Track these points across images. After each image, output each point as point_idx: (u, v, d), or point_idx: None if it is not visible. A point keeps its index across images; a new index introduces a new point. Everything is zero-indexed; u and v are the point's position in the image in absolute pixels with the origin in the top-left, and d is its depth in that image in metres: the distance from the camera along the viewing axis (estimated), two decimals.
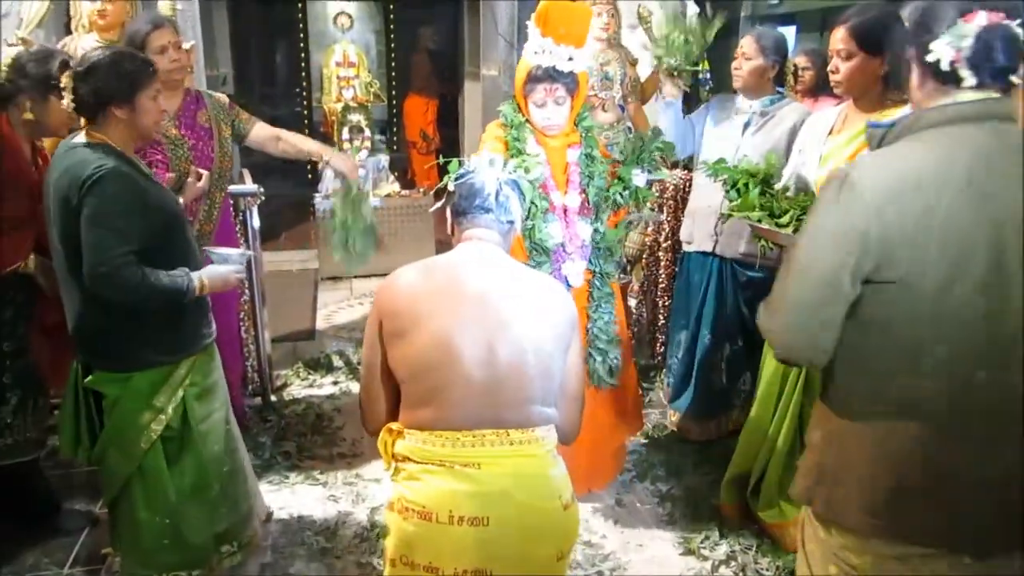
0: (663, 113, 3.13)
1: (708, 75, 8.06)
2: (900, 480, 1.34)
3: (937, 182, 1.24)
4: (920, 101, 1.36)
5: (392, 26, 7.42)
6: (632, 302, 4.10)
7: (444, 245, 5.34)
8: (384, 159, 6.12)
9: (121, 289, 1.92)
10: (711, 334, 3.07)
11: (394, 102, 7.51)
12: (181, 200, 2.28)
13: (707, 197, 2.93)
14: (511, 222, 1.72)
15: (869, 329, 1.33)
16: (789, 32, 8.42)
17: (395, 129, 7.57)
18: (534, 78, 2.39)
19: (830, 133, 2.32)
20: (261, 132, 3.03)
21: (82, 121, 2.00)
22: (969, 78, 1.28)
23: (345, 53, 6.89)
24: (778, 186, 2.40)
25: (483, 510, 1.49)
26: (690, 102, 3.71)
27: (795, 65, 3.40)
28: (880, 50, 2.10)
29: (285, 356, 4.01)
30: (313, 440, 3.23)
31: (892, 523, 1.36)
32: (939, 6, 1.30)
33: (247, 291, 3.39)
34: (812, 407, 2.20)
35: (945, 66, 1.28)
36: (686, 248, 3.17)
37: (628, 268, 4.11)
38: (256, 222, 3.29)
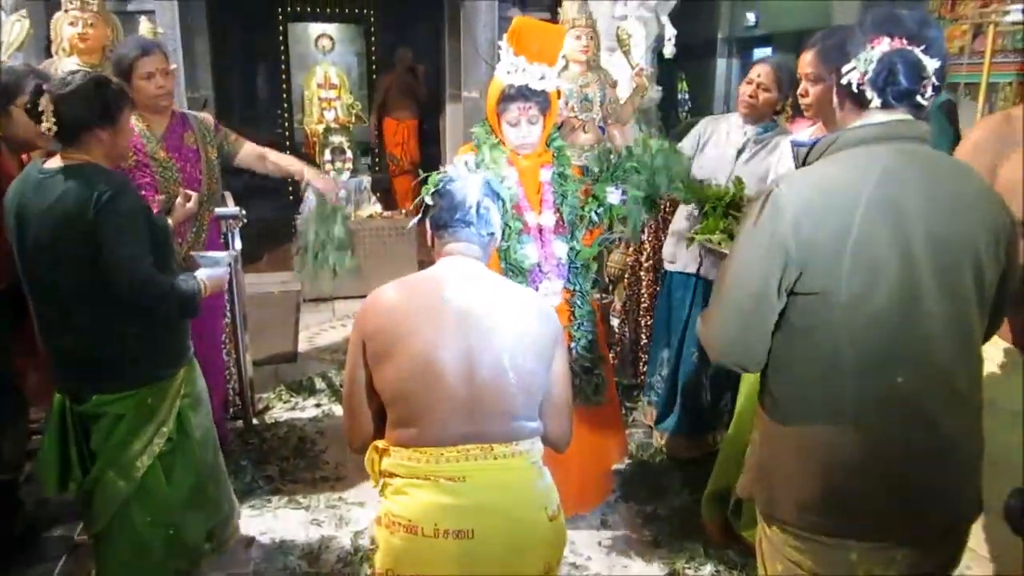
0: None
1: (687, 96, 8.19)
2: (826, 478, 1.42)
3: (850, 198, 1.33)
4: (839, 122, 1.47)
5: (373, 48, 7.46)
6: (615, 322, 4.11)
7: (426, 265, 5.33)
8: (366, 180, 6.13)
9: (158, 297, 1.99)
10: (697, 352, 3.09)
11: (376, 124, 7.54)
12: (170, 221, 2.29)
13: (686, 217, 2.97)
14: (491, 234, 1.73)
15: (794, 337, 1.42)
16: (765, 53, 8.59)
17: (377, 150, 7.58)
18: (507, 97, 2.39)
19: None
20: (249, 152, 3.07)
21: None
22: (875, 99, 1.38)
23: (327, 75, 6.91)
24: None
25: (468, 523, 1.50)
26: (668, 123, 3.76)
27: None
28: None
29: (267, 379, 3.98)
30: (295, 463, 3.21)
31: (824, 519, 1.44)
32: (855, 33, 1.41)
33: (228, 313, 3.37)
34: None
35: (854, 88, 1.39)
36: (668, 267, 3.19)
37: (610, 288, 4.14)
38: (238, 244, 3.28)
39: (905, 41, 1.37)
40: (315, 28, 7.30)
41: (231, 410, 3.51)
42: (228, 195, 3.73)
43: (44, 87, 1.93)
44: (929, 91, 1.38)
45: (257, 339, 3.73)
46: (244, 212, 3.30)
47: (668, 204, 3.43)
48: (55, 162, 1.97)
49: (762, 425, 1.54)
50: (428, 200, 1.75)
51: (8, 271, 2.29)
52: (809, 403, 1.42)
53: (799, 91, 2.31)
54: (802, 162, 1.48)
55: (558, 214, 2.51)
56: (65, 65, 3.28)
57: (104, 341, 2.01)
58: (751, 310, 1.40)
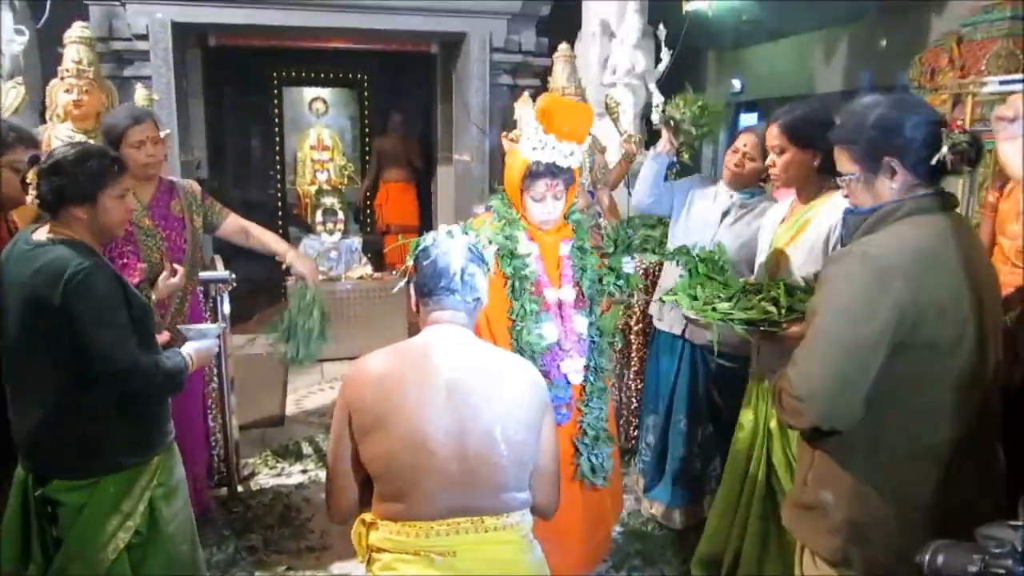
0: (648, 164, 3.16)
1: (675, 159, 8.29)
2: (932, 525, 1.48)
3: (942, 258, 1.49)
4: (892, 194, 1.56)
5: (366, 111, 7.59)
6: None
7: (416, 328, 5.32)
8: (357, 241, 6.16)
9: (143, 380, 1.92)
10: (686, 419, 3.07)
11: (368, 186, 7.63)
12: (154, 296, 2.24)
13: (677, 277, 2.97)
14: (477, 299, 1.71)
15: (898, 388, 1.49)
16: (751, 119, 8.79)
17: (368, 212, 7.64)
18: (534, 174, 2.32)
19: (782, 222, 2.44)
20: (232, 225, 3.03)
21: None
22: (929, 175, 1.54)
23: (320, 137, 7.04)
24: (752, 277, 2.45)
25: None
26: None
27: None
28: (811, 144, 2.25)
29: (253, 443, 3.91)
30: (280, 533, 3.12)
31: None
32: (909, 115, 1.54)
33: (215, 377, 3.33)
34: (780, 478, 2.27)
35: (930, 163, 1.51)
36: (656, 324, 3.19)
37: None
38: (227, 308, 3.26)
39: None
40: (309, 92, 7.44)
41: (215, 477, 3.43)
42: (218, 258, 3.74)
43: (38, 156, 1.93)
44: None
45: (244, 402, 3.67)
46: (233, 276, 3.30)
47: (658, 266, 3.45)
48: (41, 234, 1.93)
49: (846, 483, 1.55)
50: (410, 263, 1.75)
51: None
52: (914, 452, 1.50)
53: (767, 162, 2.40)
54: (855, 228, 1.60)
55: (578, 288, 2.45)
56: (59, 131, 3.32)
57: (67, 424, 1.90)
58: (861, 368, 1.46)
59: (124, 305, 1.91)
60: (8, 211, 2.44)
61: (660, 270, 3.29)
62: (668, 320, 3.08)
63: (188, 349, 2.10)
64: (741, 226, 2.88)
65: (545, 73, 4.80)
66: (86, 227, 1.94)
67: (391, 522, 1.54)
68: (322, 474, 3.62)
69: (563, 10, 5.38)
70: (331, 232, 6.06)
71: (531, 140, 2.33)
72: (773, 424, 2.30)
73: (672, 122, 3.13)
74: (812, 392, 1.49)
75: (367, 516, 1.60)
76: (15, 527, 1.98)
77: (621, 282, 2.54)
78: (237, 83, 7.07)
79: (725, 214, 2.94)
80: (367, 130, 7.60)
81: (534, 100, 4.12)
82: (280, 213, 7.32)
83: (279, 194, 7.34)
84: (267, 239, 3.07)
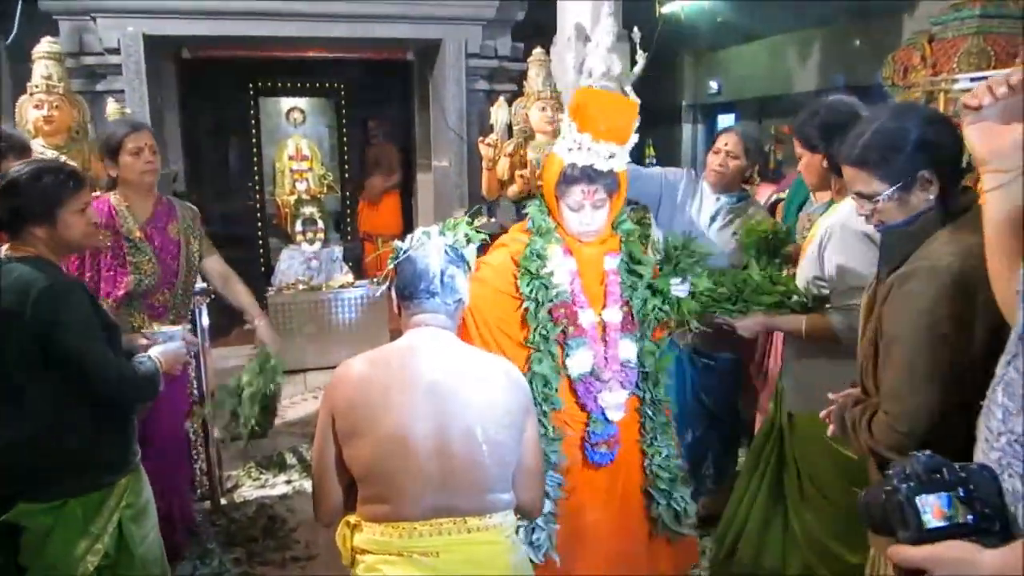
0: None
1: (654, 160, 8.39)
2: None
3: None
4: (928, 204, 1.54)
5: (344, 120, 7.57)
6: None
7: (398, 335, 5.31)
8: (337, 250, 6.14)
9: (131, 387, 1.94)
10: (674, 422, 3.07)
11: (347, 194, 7.59)
12: (162, 360, 2.09)
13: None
14: (459, 300, 1.71)
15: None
16: (729, 119, 8.87)
17: (348, 220, 7.62)
18: (569, 178, 2.04)
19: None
20: (214, 266, 3.00)
21: None
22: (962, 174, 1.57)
23: (298, 147, 6.99)
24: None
25: None
26: None
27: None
28: (815, 145, 2.25)
29: (236, 455, 3.87)
30: (265, 544, 3.10)
31: None
32: (932, 125, 1.53)
33: (195, 390, 3.30)
34: (789, 474, 2.26)
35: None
36: None
37: None
38: (205, 320, 3.24)
39: None
40: (286, 101, 7.41)
41: (199, 490, 3.40)
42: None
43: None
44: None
45: (225, 414, 3.64)
46: (212, 287, 3.27)
47: None
48: (4, 251, 1.91)
49: None
50: (391, 266, 1.75)
51: None
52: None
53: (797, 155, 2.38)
54: (898, 245, 1.58)
55: (627, 308, 2.13)
56: None
57: (31, 444, 1.86)
58: (961, 391, 1.39)
59: (95, 316, 1.90)
60: None
61: None
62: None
63: (155, 352, 2.08)
64: (730, 231, 2.87)
65: (521, 78, 4.81)
66: (46, 244, 1.92)
67: (375, 524, 1.54)
68: (307, 484, 3.60)
69: (538, 15, 5.40)
70: (311, 241, 6.03)
71: (565, 140, 2.06)
72: (784, 421, 2.29)
73: None
74: (917, 427, 1.45)
75: (351, 518, 1.61)
76: None
77: (668, 306, 2.17)
78: (213, 95, 7.01)
79: (712, 219, 2.94)
80: (345, 139, 7.58)
81: (510, 104, 4.14)
82: (260, 224, 7.27)
83: (258, 205, 7.29)
84: (243, 294, 3.03)
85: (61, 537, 1.89)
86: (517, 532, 1.70)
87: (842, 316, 2.02)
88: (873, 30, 6.02)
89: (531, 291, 2.05)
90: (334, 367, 4.96)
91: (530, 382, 1.95)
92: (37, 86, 3.31)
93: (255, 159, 7.26)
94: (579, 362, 2.06)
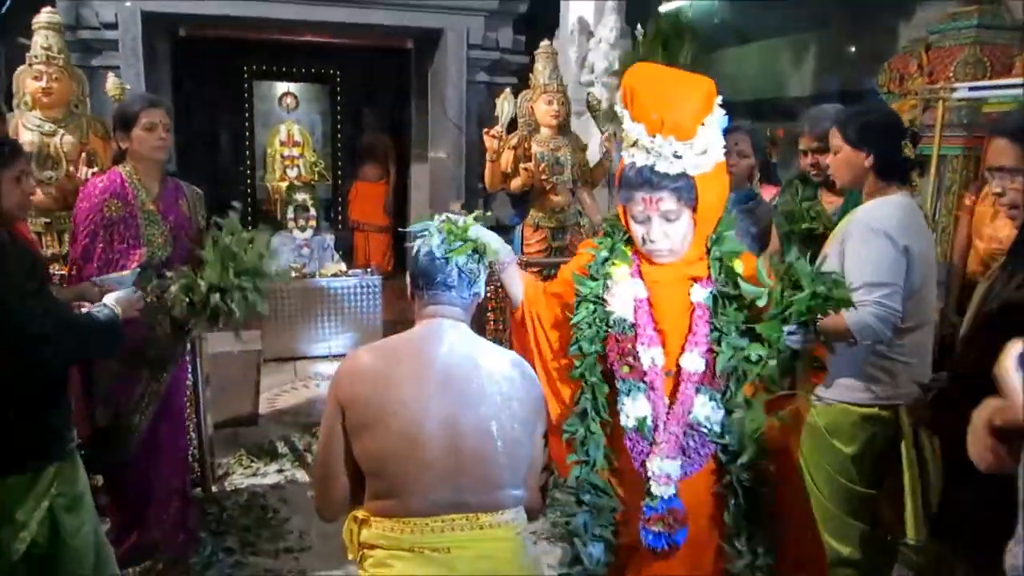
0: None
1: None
2: None
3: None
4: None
5: (339, 107, 7.50)
6: None
7: (391, 325, 5.33)
8: (329, 238, 6.09)
9: (79, 337, 1.89)
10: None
11: (339, 182, 7.53)
12: (120, 308, 2.07)
13: None
14: (476, 294, 1.69)
15: None
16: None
17: (340, 208, 7.56)
18: (627, 182, 1.60)
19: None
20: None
21: None
22: None
23: (290, 133, 6.91)
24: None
25: None
26: None
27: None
28: (863, 144, 2.17)
29: (226, 443, 3.83)
30: (258, 534, 3.06)
31: None
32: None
33: (190, 375, 3.25)
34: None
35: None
36: None
37: None
38: None
39: None
40: (280, 86, 7.33)
41: (190, 476, 3.35)
42: None
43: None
44: None
45: (216, 401, 3.60)
46: None
47: None
48: None
49: None
50: (413, 248, 1.69)
51: None
52: None
53: (825, 161, 2.37)
54: None
55: (710, 355, 1.61)
56: (27, 120, 3.21)
57: None
58: None
59: (36, 274, 1.88)
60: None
61: None
62: None
63: (110, 300, 2.07)
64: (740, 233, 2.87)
65: (522, 71, 4.79)
66: None
67: (384, 519, 1.52)
68: (298, 474, 3.57)
69: (541, 8, 5.37)
70: (303, 228, 5.98)
71: (627, 132, 1.64)
72: None
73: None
74: None
75: (359, 513, 1.58)
76: None
77: (773, 364, 1.58)
78: (207, 76, 6.93)
79: None
80: (339, 126, 7.52)
81: (515, 96, 4.12)
82: (250, 209, 7.20)
83: (249, 190, 7.22)
84: None
85: None
86: None
87: (856, 314, 2.00)
88: (868, 36, 6.06)
89: (583, 316, 1.66)
90: (325, 356, 4.96)
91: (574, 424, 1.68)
92: (37, 56, 3.22)
93: (247, 143, 7.18)
94: (631, 412, 1.62)
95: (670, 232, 1.60)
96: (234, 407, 4.21)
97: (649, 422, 1.62)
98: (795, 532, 1.68)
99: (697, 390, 1.62)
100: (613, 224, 1.75)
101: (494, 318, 3.84)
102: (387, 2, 5.00)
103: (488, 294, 2.98)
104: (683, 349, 1.63)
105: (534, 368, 1.74)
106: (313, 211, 6.11)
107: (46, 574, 1.90)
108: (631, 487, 1.68)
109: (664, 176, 1.55)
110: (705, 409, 1.61)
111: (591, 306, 1.67)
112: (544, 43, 4.09)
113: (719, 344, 1.61)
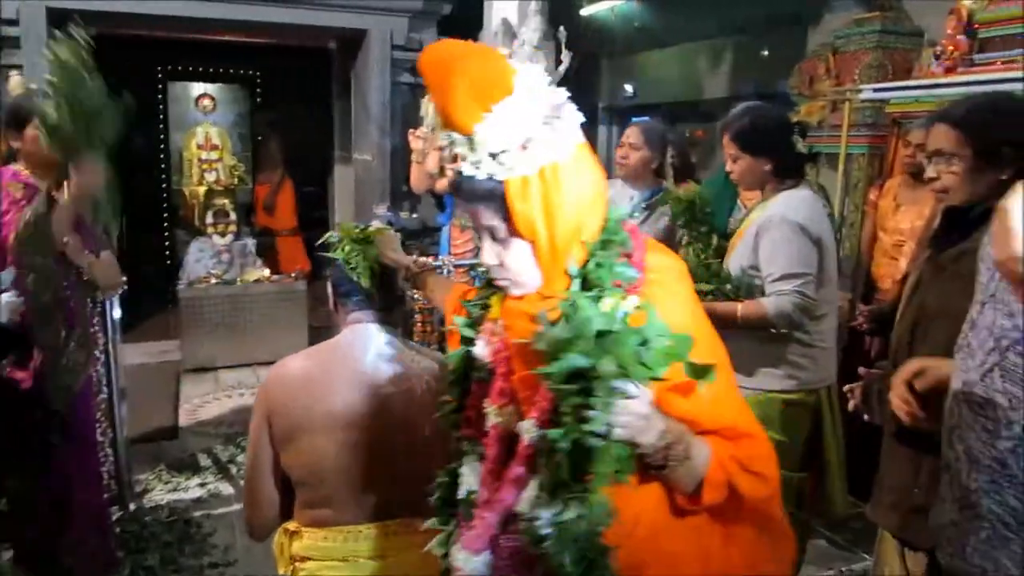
0: None
1: None
2: None
3: None
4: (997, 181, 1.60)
5: (258, 109, 7.31)
6: None
7: (316, 331, 5.22)
8: (250, 243, 5.94)
9: None
10: None
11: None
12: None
13: None
14: (399, 298, 1.68)
15: None
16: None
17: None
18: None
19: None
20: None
21: None
22: None
23: (208, 136, 6.72)
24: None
25: None
26: None
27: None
28: (762, 151, 2.26)
29: (145, 458, 3.68)
30: (180, 550, 2.96)
31: None
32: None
33: (104, 387, 3.11)
34: None
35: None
36: None
37: None
38: (117, 313, 3.05)
39: None
40: (196, 87, 7.09)
41: (105, 495, 3.20)
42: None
43: None
44: None
45: (134, 414, 3.45)
46: (124, 279, 3.09)
47: None
48: None
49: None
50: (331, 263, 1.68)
51: None
52: None
53: (728, 168, 2.37)
54: None
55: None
56: None
57: None
58: None
59: None
60: None
61: None
62: None
63: None
64: (647, 226, 2.93)
65: None
66: None
67: (317, 529, 1.50)
68: (222, 487, 3.47)
69: (464, 10, 5.37)
70: (223, 234, 5.82)
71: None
72: None
73: None
74: None
75: (290, 525, 1.55)
76: None
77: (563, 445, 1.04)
78: (118, 76, 6.63)
79: (629, 216, 3.00)
80: (258, 128, 7.33)
81: None
82: (166, 215, 6.94)
83: (165, 195, 6.95)
84: None
85: None
86: None
87: (776, 302, 2.10)
88: (780, 41, 6.30)
89: (453, 357, 1.30)
90: (249, 364, 4.82)
91: None
92: None
93: (162, 147, 6.92)
94: (464, 482, 1.26)
95: (504, 256, 1.14)
96: (153, 420, 4.08)
97: (475, 496, 1.23)
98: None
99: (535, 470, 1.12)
100: None
101: (422, 320, 3.81)
102: (309, 2, 4.91)
103: (414, 295, 2.97)
104: (528, 411, 1.14)
105: None
106: (233, 216, 5.96)
107: None
108: None
109: (470, 181, 1.10)
110: (534, 498, 1.10)
111: (461, 346, 1.29)
112: None
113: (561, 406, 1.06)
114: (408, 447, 1.51)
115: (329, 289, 1.69)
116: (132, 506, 3.23)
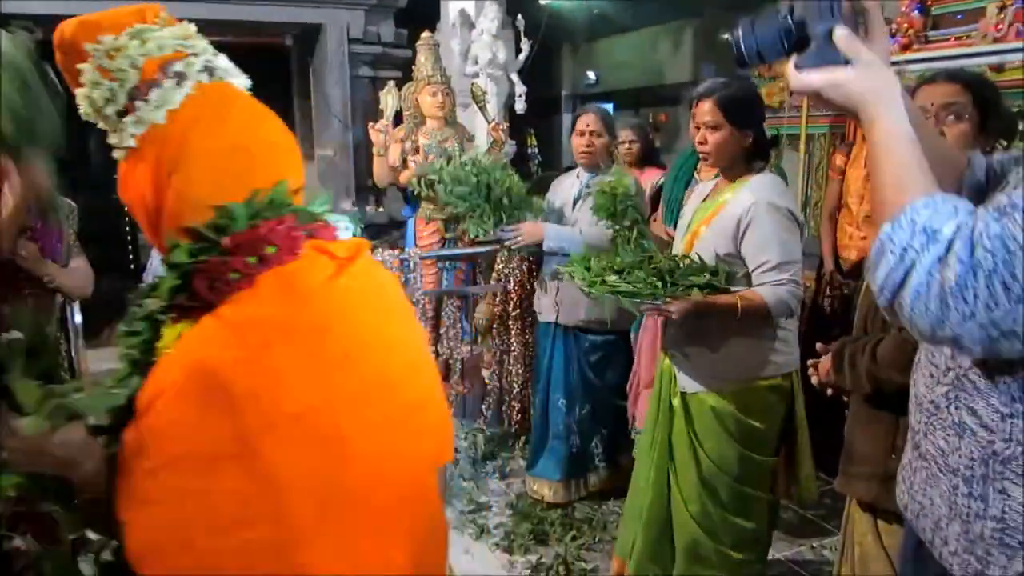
0: None
1: (536, 149, 8.45)
2: None
3: None
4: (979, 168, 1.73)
5: None
6: (485, 373, 4.11)
7: None
8: None
9: None
10: (563, 398, 3.15)
11: None
12: None
13: (549, 267, 3.05)
14: None
15: None
16: (607, 109, 9.12)
17: None
18: None
19: (703, 200, 2.33)
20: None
21: None
22: None
23: None
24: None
25: None
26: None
27: (622, 139, 3.64)
28: (747, 123, 2.14)
29: None
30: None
31: None
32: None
33: None
34: (678, 453, 2.26)
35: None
36: (537, 314, 3.26)
37: (479, 339, 4.14)
38: (78, 319, 3.00)
39: None
40: None
41: None
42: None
43: None
44: None
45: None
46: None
47: (534, 260, 3.49)
48: None
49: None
50: None
51: None
52: None
53: (697, 139, 2.18)
54: None
55: None
56: None
57: None
58: None
59: None
60: None
61: (541, 262, 3.29)
62: (544, 310, 3.17)
63: None
64: (584, 205, 2.96)
65: (406, 64, 4.75)
66: None
67: None
68: None
69: (421, 2, 5.34)
70: None
71: None
72: (675, 401, 2.29)
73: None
74: None
75: None
76: None
77: None
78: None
79: (576, 199, 3.03)
80: None
81: (399, 89, 4.08)
82: (126, 220, 6.82)
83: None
84: None
85: None
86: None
87: (774, 293, 2.06)
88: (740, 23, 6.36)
89: None
90: None
91: None
92: None
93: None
94: None
95: None
96: None
97: None
98: None
99: None
100: None
101: None
102: None
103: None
104: None
105: None
106: None
107: None
108: None
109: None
110: None
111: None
112: (425, 34, 4.06)
113: None
114: None
115: None
116: None
